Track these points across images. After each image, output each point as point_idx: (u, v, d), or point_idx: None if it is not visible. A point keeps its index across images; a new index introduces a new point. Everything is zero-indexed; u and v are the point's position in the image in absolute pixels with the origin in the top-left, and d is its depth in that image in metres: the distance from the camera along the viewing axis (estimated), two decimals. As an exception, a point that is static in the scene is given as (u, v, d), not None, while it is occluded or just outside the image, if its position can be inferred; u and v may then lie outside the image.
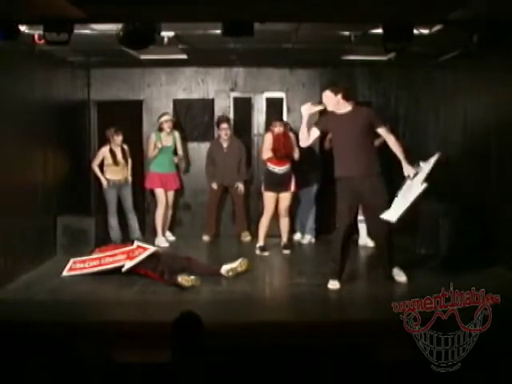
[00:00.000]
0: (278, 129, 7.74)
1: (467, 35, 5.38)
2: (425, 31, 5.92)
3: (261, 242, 7.88)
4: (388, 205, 5.83)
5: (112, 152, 8.36)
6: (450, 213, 7.45)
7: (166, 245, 8.37)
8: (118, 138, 8.35)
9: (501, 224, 6.89)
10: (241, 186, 8.77)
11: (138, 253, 6.62)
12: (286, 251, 7.92)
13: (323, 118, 6.41)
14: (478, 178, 7.39)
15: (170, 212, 8.81)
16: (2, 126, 6.19)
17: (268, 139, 7.80)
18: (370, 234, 7.47)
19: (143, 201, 9.15)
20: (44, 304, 5.69)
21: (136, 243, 6.87)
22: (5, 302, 5.71)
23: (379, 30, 5.50)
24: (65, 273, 6.73)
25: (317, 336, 4.76)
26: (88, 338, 4.45)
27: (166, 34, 6.19)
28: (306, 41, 6.70)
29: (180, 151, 8.67)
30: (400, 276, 6.14)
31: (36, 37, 5.71)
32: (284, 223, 8.01)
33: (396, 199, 5.87)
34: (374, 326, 4.84)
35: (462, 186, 7.85)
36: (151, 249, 6.73)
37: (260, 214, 8.09)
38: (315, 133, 6.16)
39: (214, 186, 8.71)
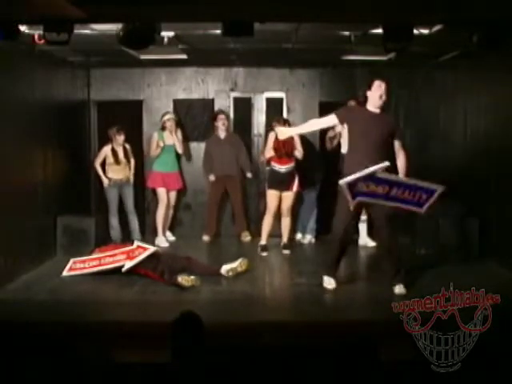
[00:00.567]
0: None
1: (467, 35, 5.38)
2: (425, 31, 5.92)
3: (263, 241, 7.90)
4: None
5: (114, 151, 8.36)
6: (450, 213, 7.46)
7: (166, 245, 8.37)
8: (120, 138, 8.36)
9: (501, 224, 6.90)
10: (249, 175, 8.78)
11: (137, 253, 6.63)
12: (286, 251, 7.92)
13: (348, 109, 6.29)
14: (478, 178, 7.40)
15: (171, 212, 8.81)
16: (2, 125, 6.20)
17: (271, 138, 7.82)
18: (374, 235, 7.39)
19: (143, 201, 9.15)
20: (44, 304, 5.70)
21: (136, 243, 6.88)
22: (5, 302, 5.72)
23: (379, 30, 5.50)
24: (65, 273, 6.73)
25: (317, 336, 4.76)
26: (88, 338, 4.46)
27: (166, 34, 6.20)
28: (306, 41, 6.70)
29: (179, 150, 8.64)
30: (400, 289, 5.84)
31: (36, 37, 5.71)
32: (285, 223, 8.00)
33: None
34: (374, 325, 4.84)
35: (462, 186, 7.86)
36: (151, 249, 6.74)
37: (260, 213, 8.09)
38: (331, 121, 5.98)
39: (212, 177, 8.67)
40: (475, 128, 7.59)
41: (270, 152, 7.81)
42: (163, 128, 8.55)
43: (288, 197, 7.85)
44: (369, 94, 5.81)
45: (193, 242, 8.54)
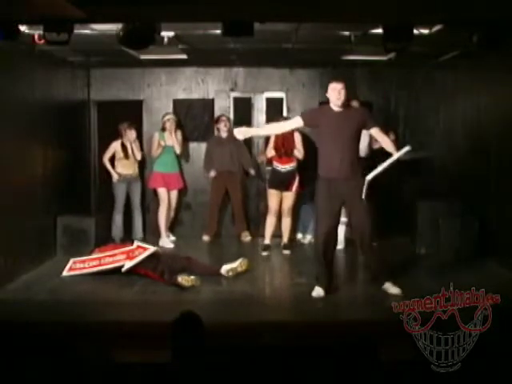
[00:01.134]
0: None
1: (467, 35, 5.39)
2: (425, 31, 5.91)
3: (266, 241, 7.93)
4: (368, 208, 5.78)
5: (123, 146, 8.40)
6: (450, 213, 7.46)
7: (171, 246, 8.35)
8: (131, 133, 8.42)
9: (501, 224, 6.90)
10: (252, 172, 8.78)
11: (137, 253, 6.63)
12: (286, 251, 7.91)
13: (313, 110, 6.34)
14: (478, 178, 7.40)
15: (172, 212, 8.81)
16: (2, 125, 6.20)
17: (272, 137, 7.82)
18: (353, 236, 7.12)
19: (143, 200, 9.15)
20: (44, 304, 5.70)
21: (136, 243, 6.88)
22: (5, 302, 5.72)
23: (379, 30, 5.50)
24: (65, 273, 6.74)
25: (317, 336, 4.76)
26: (88, 338, 4.46)
27: (166, 34, 6.19)
28: (306, 41, 6.69)
29: (177, 151, 8.62)
30: (393, 289, 5.81)
31: (36, 37, 5.70)
32: (286, 223, 7.99)
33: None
34: (374, 325, 4.84)
35: (462, 186, 7.86)
36: (151, 249, 6.74)
37: (260, 214, 8.08)
38: (296, 123, 6.00)
39: (213, 173, 8.66)
40: (475, 128, 7.59)
41: (270, 151, 7.83)
42: (163, 129, 8.55)
43: (288, 197, 7.85)
44: (327, 95, 5.86)
45: (193, 242, 8.54)
